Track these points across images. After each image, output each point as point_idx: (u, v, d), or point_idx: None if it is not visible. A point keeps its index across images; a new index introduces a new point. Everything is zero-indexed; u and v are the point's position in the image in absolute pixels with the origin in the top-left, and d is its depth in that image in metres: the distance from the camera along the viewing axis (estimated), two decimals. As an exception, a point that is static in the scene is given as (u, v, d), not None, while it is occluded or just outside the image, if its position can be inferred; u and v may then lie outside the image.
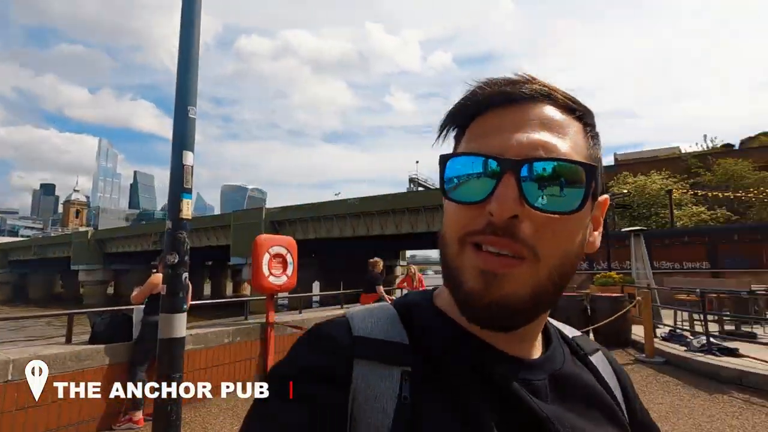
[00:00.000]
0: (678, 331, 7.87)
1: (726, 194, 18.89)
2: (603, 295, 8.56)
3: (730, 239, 14.41)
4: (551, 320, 0.57)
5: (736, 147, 29.05)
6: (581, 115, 0.46)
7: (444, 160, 0.44)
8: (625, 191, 18.29)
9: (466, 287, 0.42)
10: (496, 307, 0.41)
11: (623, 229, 12.26)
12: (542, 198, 0.40)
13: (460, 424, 0.40)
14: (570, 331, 0.59)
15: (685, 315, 8.43)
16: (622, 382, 0.57)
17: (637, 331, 8.05)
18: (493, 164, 0.41)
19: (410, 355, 0.44)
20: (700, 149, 28.66)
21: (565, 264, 0.43)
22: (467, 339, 0.46)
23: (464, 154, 0.43)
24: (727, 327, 7.99)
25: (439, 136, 0.50)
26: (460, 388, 0.42)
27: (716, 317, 7.81)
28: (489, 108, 0.45)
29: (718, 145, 29.54)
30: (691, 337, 7.10)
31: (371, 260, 8.15)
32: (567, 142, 0.43)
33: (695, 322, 8.21)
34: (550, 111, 0.44)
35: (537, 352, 0.50)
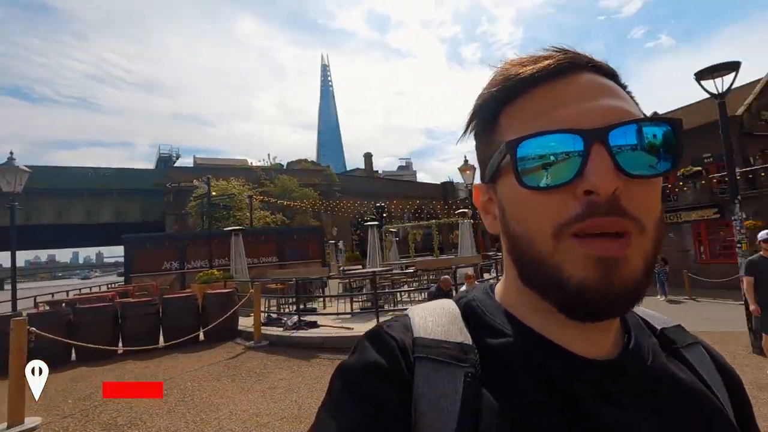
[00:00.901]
0: (273, 315, 9.38)
1: (282, 202, 24.16)
2: (215, 292, 8.86)
3: (291, 238, 18.71)
4: (639, 308, 0.51)
5: (285, 167, 37.72)
6: (620, 81, 0.44)
7: (514, 145, 0.39)
8: (214, 193, 19.57)
9: (577, 281, 0.38)
10: (621, 294, 0.38)
11: (226, 228, 13.11)
12: (636, 163, 0.38)
13: (525, 430, 0.38)
14: (660, 321, 0.53)
15: (273, 302, 10.17)
16: (728, 382, 0.49)
17: (242, 322, 8.92)
18: (574, 138, 0.37)
19: (473, 356, 0.42)
20: (265, 164, 35.05)
21: (661, 231, 0.40)
22: (535, 340, 0.43)
23: (538, 134, 0.38)
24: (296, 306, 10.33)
25: (467, 129, 0.48)
26: (524, 393, 0.40)
27: (296, 299, 9.89)
28: (535, 84, 0.41)
29: (281, 163, 37.42)
30: (285, 319, 8.68)
31: None
32: (631, 105, 0.41)
33: (282, 306, 10.07)
34: (600, 78, 0.42)
35: (615, 347, 0.45)
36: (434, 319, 0.46)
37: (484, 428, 0.38)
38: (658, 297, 12.57)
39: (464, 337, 0.44)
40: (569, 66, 0.41)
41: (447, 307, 0.49)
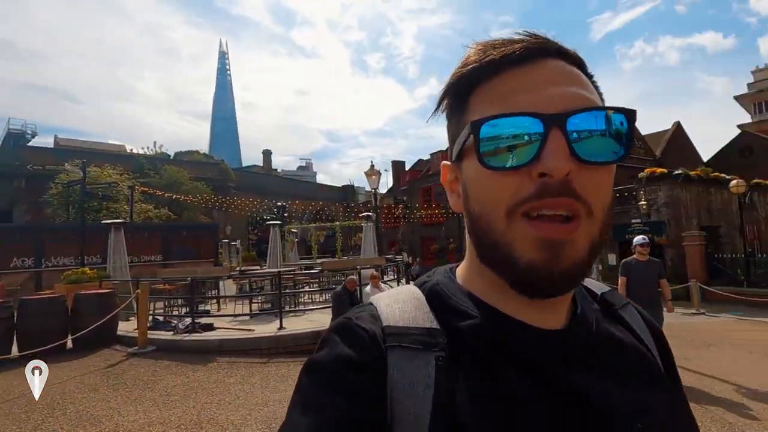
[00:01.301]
0: (159, 318, 8.55)
1: (169, 196, 22.01)
2: (89, 293, 7.77)
3: (179, 235, 17.11)
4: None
5: (172, 157, 34.42)
6: (586, 69, 0.46)
7: (478, 125, 0.41)
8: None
9: (525, 261, 0.40)
10: (564, 276, 0.40)
11: (104, 221, 11.50)
12: (590, 149, 0.39)
13: (498, 406, 0.40)
14: (598, 287, 0.57)
15: (160, 304, 9.28)
16: (654, 334, 0.55)
17: (122, 327, 7.98)
18: (534, 122, 0.39)
19: (442, 340, 0.43)
20: (149, 152, 31.52)
21: (609, 216, 0.42)
22: (497, 318, 0.45)
23: (501, 116, 0.40)
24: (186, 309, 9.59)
25: (438, 107, 0.49)
26: (493, 370, 0.42)
27: (191, 300, 9.16)
28: (504, 67, 0.43)
29: (168, 152, 33.85)
30: (176, 322, 7.99)
31: None
32: (592, 94, 0.43)
33: (170, 308, 9.23)
34: (567, 66, 0.43)
35: (567, 316, 0.48)
36: (400, 305, 0.47)
37: (459, 408, 0.39)
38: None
39: (431, 321, 0.45)
40: (538, 51, 0.43)
41: (411, 293, 0.50)
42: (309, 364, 0.44)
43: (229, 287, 12.04)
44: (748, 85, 41.40)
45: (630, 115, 0.41)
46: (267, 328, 7.51)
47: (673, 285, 12.94)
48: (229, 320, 8.47)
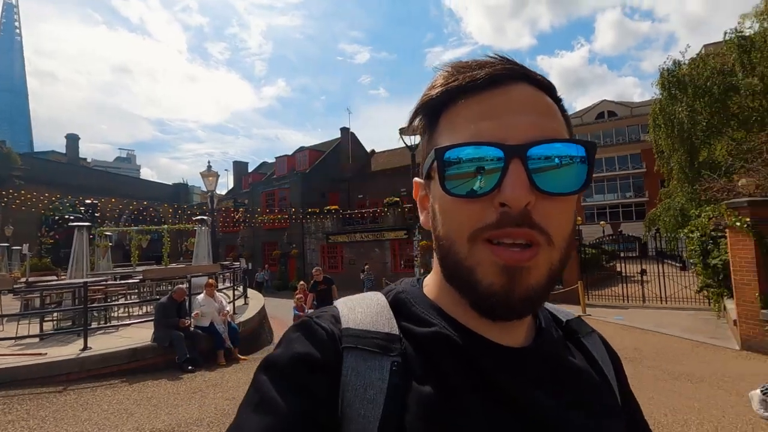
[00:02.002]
0: None
1: None
2: None
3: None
4: (547, 304, 0.56)
5: None
6: (554, 94, 0.46)
7: (441, 152, 0.41)
8: None
9: (485, 285, 0.41)
10: (522, 301, 0.41)
11: None
12: (550, 181, 0.40)
13: (448, 415, 0.40)
14: (564, 314, 0.58)
15: None
16: (615, 365, 0.56)
17: None
18: (496, 152, 0.39)
19: (400, 346, 0.44)
20: None
21: (570, 244, 0.43)
22: (458, 330, 0.45)
23: (464, 145, 0.40)
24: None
25: (410, 125, 0.49)
26: (448, 379, 0.42)
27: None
28: (471, 92, 0.43)
29: None
30: None
31: None
32: (556, 122, 0.43)
33: None
34: (533, 92, 0.43)
35: (529, 338, 0.49)
36: (363, 309, 0.47)
37: (410, 414, 0.39)
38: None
39: (391, 327, 0.45)
40: (505, 76, 0.43)
41: (375, 299, 0.50)
42: (265, 362, 0.44)
43: (7, 304, 9.56)
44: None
45: (590, 147, 0.42)
46: (66, 351, 6.27)
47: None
48: (9, 345, 6.77)
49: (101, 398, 5.03)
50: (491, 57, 0.45)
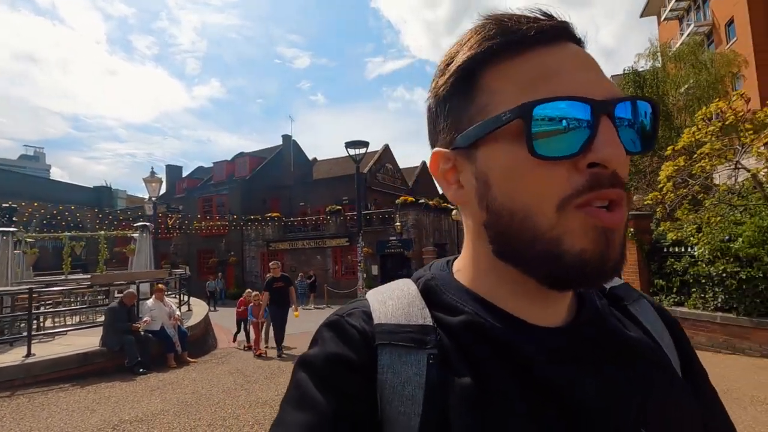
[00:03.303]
0: None
1: None
2: None
3: None
4: None
5: None
6: None
7: (530, 108, 0.36)
8: None
9: (577, 253, 0.37)
10: (615, 264, 0.38)
11: None
12: (629, 140, 0.38)
13: (490, 407, 0.38)
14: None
15: None
16: (670, 329, 0.51)
17: None
18: (583, 108, 0.36)
19: (435, 337, 0.42)
20: None
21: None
22: (495, 314, 0.43)
23: (555, 99, 0.36)
24: None
25: (441, 85, 0.43)
26: (487, 368, 0.40)
27: None
28: (526, 48, 0.39)
29: None
30: None
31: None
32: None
33: None
34: (586, 52, 0.41)
35: (571, 311, 0.46)
36: (394, 302, 0.46)
37: (450, 408, 0.38)
38: (304, 306, 15.84)
39: (425, 318, 0.44)
40: (563, 33, 0.40)
41: (405, 288, 0.48)
42: (302, 360, 0.44)
43: None
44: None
45: (656, 107, 0.40)
46: (7, 358, 6.13)
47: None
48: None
49: (55, 400, 5.12)
50: (536, 12, 0.40)
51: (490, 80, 0.40)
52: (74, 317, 9.15)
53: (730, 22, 21.96)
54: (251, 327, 8.54)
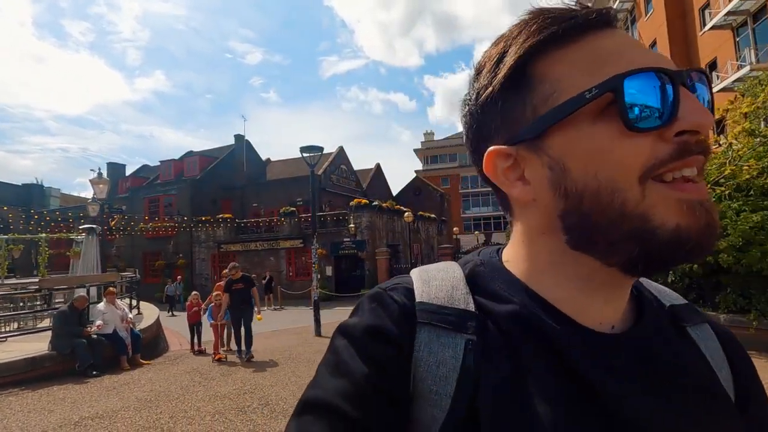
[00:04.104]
0: None
1: None
2: None
3: None
4: (649, 282, 0.52)
5: None
6: None
7: (621, 79, 0.36)
8: None
9: (671, 228, 0.35)
10: (714, 239, 0.36)
11: None
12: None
13: (523, 400, 0.38)
14: (669, 298, 0.51)
15: None
16: (733, 361, 0.47)
17: None
18: (664, 79, 0.36)
19: (475, 323, 0.42)
20: None
21: None
22: (542, 309, 0.42)
23: (643, 70, 0.36)
24: None
25: (503, 78, 0.41)
26: (526, 363, 0.40)
27: None
28: (580, 36, 0.39)
29: None
30: None
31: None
32: None
33: None
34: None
35: (625, 321, 0.44)
36: (438, 283, 0.46)
37: (482, 395, 0.38)
38: (265, 307, 15.88)
39: (467, 303, 0.43)
40: (609, 20, 0.40)
41: (451, 270, 0.48)
42: (342, 328, 0.45)
43: None
44: (421, 143, 57.55)
45: (709, 77, 0.40)
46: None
47: (368, 288, 17.29)
48: None
49: (7, 404, 5.13)
50: (569, 4, 0.41)
51: (549, 69, 0.40)
52: (11, 324, 8.81)
53: (654, 44, 24.48)
54: (211, 330, 7.96)
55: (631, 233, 0.37)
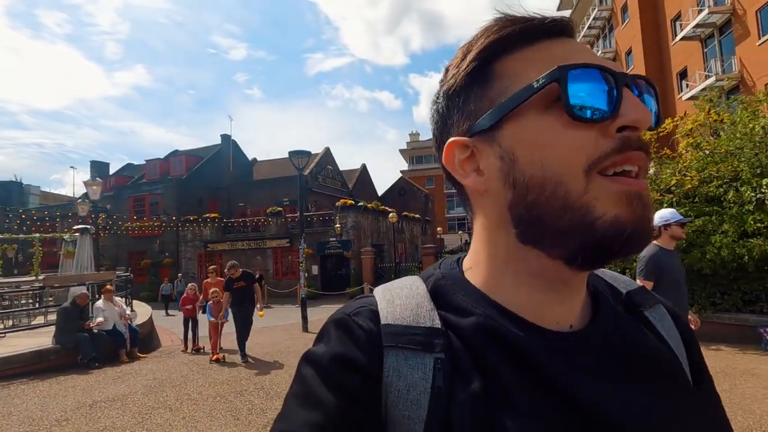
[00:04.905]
0: None
1: None
2: None
3: None
4: (603, 271, 0.54)
5: None
6: None
7: (566, 70, 0.38)
8: None
9: (610, 219, 0.37)
10: (649, 231, 0.38)
11: None
12: None
13: (497, 413, 0.38)
14: (624, 284, 0.53)
15: None
16: (685, 339, 0.50)
17: None
18: (609, 78, 0.38)
19: (443, 340, 0.41)
20: None
21: None
22: (505, 318, 0.43)
23: (590, 66, 0.38)
24: None
25: (463, 74, 0.44)
26: (496, 374, 0.40)
27: None
28: (536, 39, 0.42)
29: None
30: None
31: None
32: None
33: None
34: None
35: (585, 315, 0.46)
36: (402, 302, 0.45)
37: (455, 413, 0.38)
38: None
39: (432, 320, 0.43)
40: (567, 29, 0.43)
41: (414, 287, 0.48)
42: (307, 356, 0.44)
43: None
44: (407, 143, 58.28)
45: (657, 89, 0.43)
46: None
47: (353, 287, 17.86)
48: None
49: (21, 392, 5.56)
50: (534, 14, 0.43)
51: (507, 66, 0.42)
52: (6, 321, 9.12)
53: (629, 52, 25.68)
54: (210, 328, 7.43)
55: (573, 224, 0.38)
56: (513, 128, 0.41)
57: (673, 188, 7.33)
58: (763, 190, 6.05)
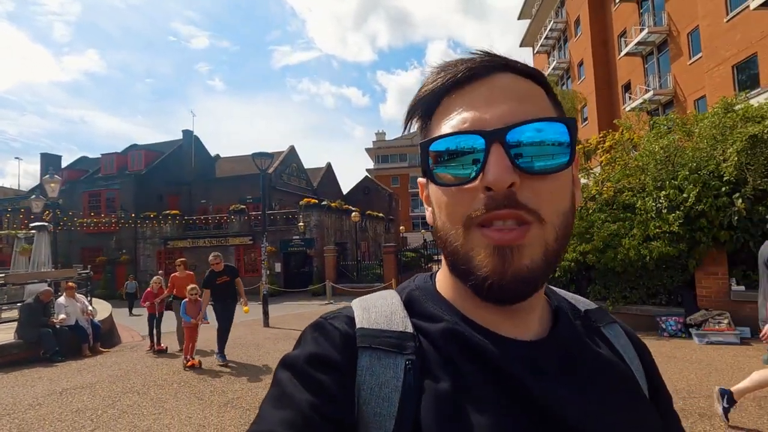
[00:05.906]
0: None
1: None
2: None
3: None
4: (565, 293, 0.59)
5: None
6: (540, 80, 0.48)
7: (426, 146, 0.44)
8: None
9: (479, 268, 0.42)
10: (516, 280, 0.41)
11: None
12: (532, 160, 0.41)
13: (463, 411, 0.41)
14: (584, 304, 0.58)
15: None
16: (640, 354, 0.55)
17: None
18: (477, 139, 0.41)
19: (414, 344, 0.45)
20: None
21: (565, 222, 0.44)
22: (468, 324, 0.46)
23: (445, 136, 0.43)
24: None
25: (405, 128, 0.51)
26: (462, 376, 0.43)
27: None
28: (454, 88, 0.45)
29: None
30: None
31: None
32: (537, 106, 0.45)
33: None
34: (513, 79, 0.46)
35: (544, 330, 0.49)
36: (377, 309, 0.49)
37: (424, 411, 0.41)
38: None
39: (405, 325, 0.47)
40: (485, 68, 0.45)
41: (390, 298, 0.52)
42: (283, 361, 0.46)
43: None
44: (373, 142, 58.86)
45: (570, 124, 0.43)
46: None
47: (315, 284, 18.25)
48: None
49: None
50: (473, 53, 0.47)
51: (435, 119, 0.47)
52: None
53: (581, 63, 27.44)
54: (186, 332, 6.44)
55: (463, 269, 0.44)
56: (429, 182, 0.48)
57: (596, 196, 8.39)
58: (661, 201, 7.14)
